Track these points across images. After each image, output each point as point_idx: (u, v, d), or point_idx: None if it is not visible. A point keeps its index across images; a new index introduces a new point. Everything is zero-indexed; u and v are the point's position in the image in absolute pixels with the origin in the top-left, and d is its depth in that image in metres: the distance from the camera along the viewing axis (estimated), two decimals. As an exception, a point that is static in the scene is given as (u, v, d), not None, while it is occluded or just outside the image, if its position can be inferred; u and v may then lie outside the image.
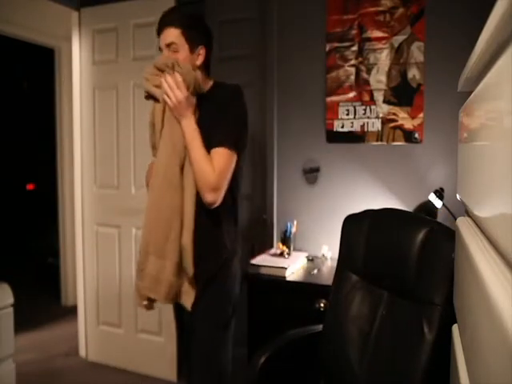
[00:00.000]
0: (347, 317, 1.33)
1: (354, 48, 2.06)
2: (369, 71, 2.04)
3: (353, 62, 2.07)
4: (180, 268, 1.27)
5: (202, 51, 1.34)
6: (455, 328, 0.73)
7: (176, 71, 1.25)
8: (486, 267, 0.45)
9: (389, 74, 2.01)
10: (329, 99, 2.12)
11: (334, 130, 2.12)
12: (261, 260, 1.93)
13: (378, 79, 2.03)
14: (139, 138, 2.36)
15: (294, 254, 2.05)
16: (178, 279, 1.27)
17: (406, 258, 1.19)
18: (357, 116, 2.07)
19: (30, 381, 2.33)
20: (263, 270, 1.85)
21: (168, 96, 1.25)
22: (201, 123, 1.28)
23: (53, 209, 3.62)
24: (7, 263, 3.85)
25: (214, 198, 1.23)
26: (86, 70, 2.54)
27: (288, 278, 1.80)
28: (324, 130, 2.15)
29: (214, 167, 1.23)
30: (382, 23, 2.00)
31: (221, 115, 1.28)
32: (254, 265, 1.88)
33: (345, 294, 1.36)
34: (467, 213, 0.74)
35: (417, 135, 1.97)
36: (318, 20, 2.13)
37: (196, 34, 1.32)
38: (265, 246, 2.23)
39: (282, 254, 1.99)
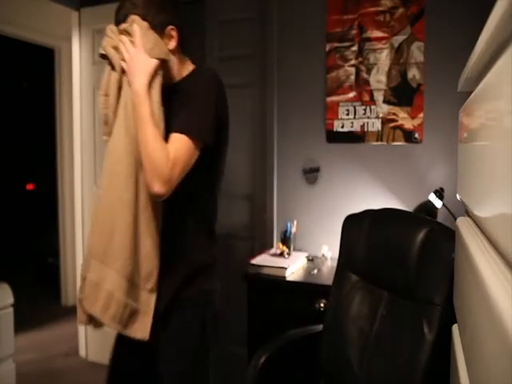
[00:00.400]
0: (347, 317, 1.33)
1: (354, 48, 2.06)
2: (369, 71, 2.04)
3: (353, 62, 2.07)
4: (129, 283, 1.04)
5: (172, 32, 1.12)
6: (455, 328, 0.73)
7: (136, 24, 1.06)
8: (486, 267, 0.45)
9: (389, 74, 2.00)
10: (329, 99, 2.12)
11: (334, 129, 2.12)
12: (261, 260, 1.93)
13: (378, 79, 2.03)
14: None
15: (294, 253, 2.04)
16: (124, 297, 1.03)
17: (406, 257, 1.19)
18: (357, 116, 2.07)
19: (29, 381, 2.33)
20: (263, 270, 1.85)
21: (123, 57, 1.06)
22: (168, 114, 1.08)
23: (53, 209, 3.62)
24: (7, 263, 3.85)
25: (164, 189, 1.00)
26: (86, 70, 2.53)
27: (288, 278, 1.80)
28: (324, 130, 2.15)
29: (169, 154, 1.00)
30: (382, 23, 2.00)
31: (187, 101, 1.08)
32: (253, 265, 1.88)
33: (345, 294, 1.37)
34: (467, 213, 0.74)
35: (417, 135, 1.97)
36: (317, 20, 2.13)
37: (160, 18, 1.10)
38: (265, 245, 2.23)
39: (282, 254, 1.99)
